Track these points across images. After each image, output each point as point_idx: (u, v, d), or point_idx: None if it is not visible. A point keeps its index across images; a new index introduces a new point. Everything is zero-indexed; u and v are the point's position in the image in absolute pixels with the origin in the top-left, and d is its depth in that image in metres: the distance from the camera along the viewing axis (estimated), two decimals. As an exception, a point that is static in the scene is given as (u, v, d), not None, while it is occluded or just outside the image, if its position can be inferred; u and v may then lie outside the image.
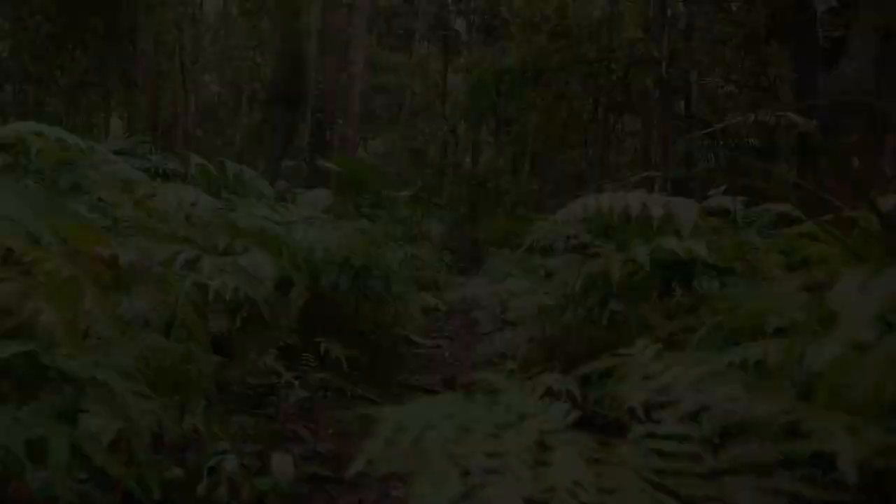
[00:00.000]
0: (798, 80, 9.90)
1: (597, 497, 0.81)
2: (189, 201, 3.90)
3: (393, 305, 4.83)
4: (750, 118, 12.72)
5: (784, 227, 3.42)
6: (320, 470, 2.46)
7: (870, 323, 1.11)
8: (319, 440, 2.53)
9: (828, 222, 2.77)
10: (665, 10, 8.03)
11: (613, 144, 17.82)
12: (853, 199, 2.72)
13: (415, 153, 26.04)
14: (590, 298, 2.58)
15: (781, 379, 1.28)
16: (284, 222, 3.64)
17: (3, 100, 14.27)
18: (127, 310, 2.36)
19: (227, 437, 2.18)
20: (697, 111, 10.22)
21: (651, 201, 2.57)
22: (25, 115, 10.98)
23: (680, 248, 2.37)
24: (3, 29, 12.17)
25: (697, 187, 9.12)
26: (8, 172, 3.79)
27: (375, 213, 4.41)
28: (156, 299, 2.60)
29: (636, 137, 21.64)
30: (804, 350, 1.23)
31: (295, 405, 2.71)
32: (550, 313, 2.57)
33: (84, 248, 2.18)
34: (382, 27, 23.51)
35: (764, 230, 3.44)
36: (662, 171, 7.34)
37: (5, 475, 1.52)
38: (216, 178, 4.79)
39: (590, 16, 11.54)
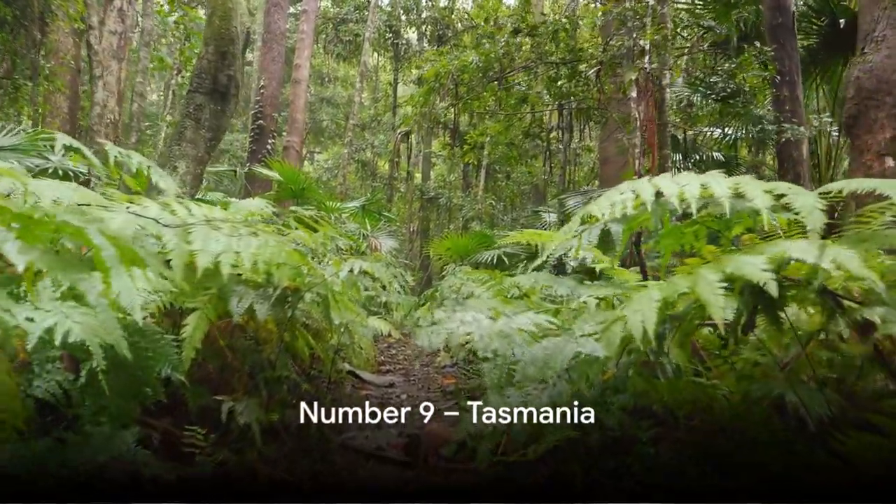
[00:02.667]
0: (778, 86, 9.21)
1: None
2: (55, 199, 2.81)
3: (335, 335, 3.76)
4: (715, 130, 12.04)
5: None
6: None
7: None
8: None
9: None
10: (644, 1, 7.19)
11: (571, 158, 17.06)
12: None
13: (363, 166, 24.99)
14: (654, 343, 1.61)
15: None
16: (180, 226, 2.55)
17: None
18: None
19: None
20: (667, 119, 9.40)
21: (748, 186, 1.59)
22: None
23: (824, 261, 1.39)
24: None
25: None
26: None
27: (317, 225, 3.39)
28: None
29: (593, 153, 21.02)
30: None
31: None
32: (589, 367, 1.57)
33: None
34: (330, 33, 22.43)
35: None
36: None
37: None
38: (96, 168, 3.69)
39: (553, 18, 10.70)
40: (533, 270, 1.84)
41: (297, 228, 3.59)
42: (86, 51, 14.76)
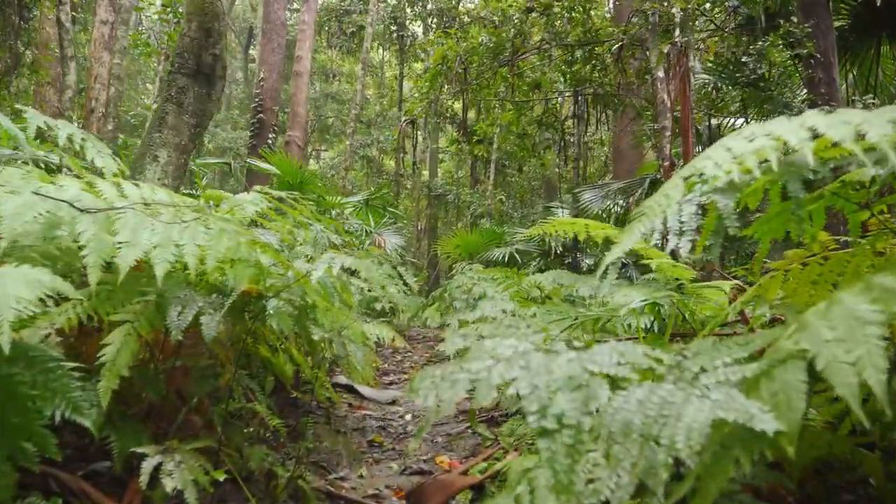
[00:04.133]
0: (813, 67, 8.49)
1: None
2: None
3: (326, 347, 3.10)
4: (738, 120, 11.30)
5: None
6: None
7: None
8: None
9: None
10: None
11: (584, 152, 16.29)
12: None
13: (369, 162, 24.37)
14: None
15: None
16: (103, 210, 1.91)
17: None
18: None
19: None
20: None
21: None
22: None
23: None
24: None
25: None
26: None
27: (292, 210, 2.71)
28: None
29: (606, 146, 20.29)
30: None
31: None
32: (745, 447, 0.89)
33: None
34: (333, 26, 21.77)
35: None
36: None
37: None
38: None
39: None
40: (603, 275, 1.22)
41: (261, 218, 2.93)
42: (74, 38, 14.17)
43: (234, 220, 2.14)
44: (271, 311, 1.94)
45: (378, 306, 6.37)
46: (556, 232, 3.08)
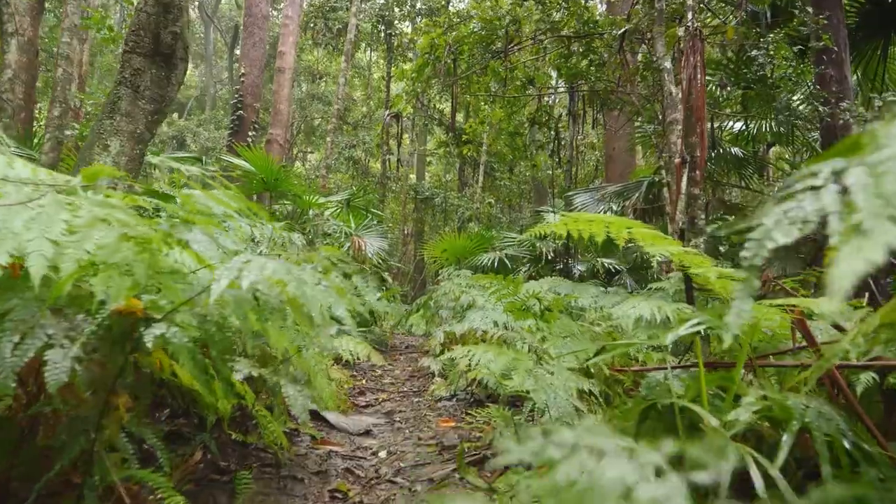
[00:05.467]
0: (825, 64, 7.96)
1: None
2: None
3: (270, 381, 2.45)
4: (736, 124, 10.75)
5: None
6: None
7: None
8: None
9: None
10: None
11: (576, 155, 15.71)
12: None
13: (354, 163, 23.70)
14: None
15: None
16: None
17: None
18: None
19: None
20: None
21: None
22: None
23: None
24: None
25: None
26: None
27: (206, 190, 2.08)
28: None
29: (597, 150, 19.75)
30: None
31: None
32: None
33: None
34: (319, 23, 21.12)
35: None
36: (695, 172, 5.11)
37: None
38: None
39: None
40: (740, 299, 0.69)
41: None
42: (51, 33, 13.47)
43: (125, 205, 1.49)
44: (148, 344, 1.30)
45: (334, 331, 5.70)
46: (568, 232, 2.45)
